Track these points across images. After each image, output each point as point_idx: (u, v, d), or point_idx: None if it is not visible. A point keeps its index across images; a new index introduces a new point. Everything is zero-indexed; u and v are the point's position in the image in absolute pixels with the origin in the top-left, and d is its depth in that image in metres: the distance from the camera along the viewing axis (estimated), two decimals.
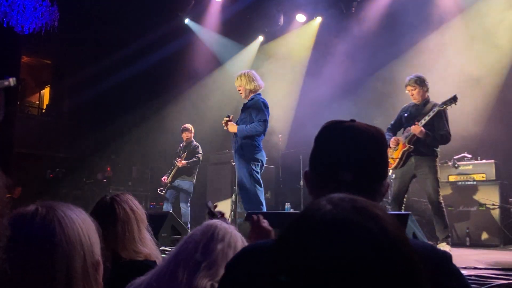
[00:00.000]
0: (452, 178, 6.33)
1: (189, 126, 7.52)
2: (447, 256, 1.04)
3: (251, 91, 4.97)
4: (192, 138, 7.49)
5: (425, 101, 4.89)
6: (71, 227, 0.97)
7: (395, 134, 5.11)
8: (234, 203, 7.95)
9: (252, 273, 1.06)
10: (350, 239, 0.57)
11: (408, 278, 0.57)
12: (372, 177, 1.14)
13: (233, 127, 4.94)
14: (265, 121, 4.84)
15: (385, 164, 1.19)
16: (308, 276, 0.56)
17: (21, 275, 0.88)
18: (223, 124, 5.07)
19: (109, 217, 1.83)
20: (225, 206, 8.15)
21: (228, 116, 5.07)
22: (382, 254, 0.56)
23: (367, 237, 0.57)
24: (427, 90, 4.89)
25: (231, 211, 8.00)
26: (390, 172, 5.89)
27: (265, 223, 1.76)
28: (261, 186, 4.91)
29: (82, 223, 1.01)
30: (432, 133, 4.69)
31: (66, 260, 0.94)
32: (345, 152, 1.14)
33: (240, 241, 1.43)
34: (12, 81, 4.92)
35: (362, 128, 1.17)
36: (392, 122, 5.20)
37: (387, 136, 5.04)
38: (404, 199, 4.94)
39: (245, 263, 1.11)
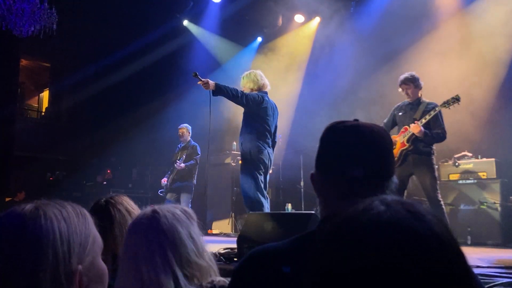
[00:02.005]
0: (452, 177, 6.32)
1: (183, 126, 7.48)
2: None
3: (252, 90, 5.00)
4: (189, 138, 7.46)
5: (418, 100, 4.90)
6: (45, 230, 0.91)
7: (388, 133, 5.09)
8: (234, 203, 7.96)
9: (265, 276, 1.05)
10: (404, 241, 0.57)
11: (458, 283, 0.58)
12: (381, 173, 1.14)
13: (209, 84, 4.69)
14: (248, 96, 4.79)
15: (393, 160, 1.19)
16: (358, 274, 0.56)
17: None
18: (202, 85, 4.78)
19: (105, 220, 1.80)
20: (225, 207, 8.16)
21: (196, 74, 4.81)
22: (435, 258, 0.57)
23: (421, 241, 0.57)
24: (420, 89, 4.90)
25: (231, 212, 8.00)
26: None
27: None
28: (262, 188, 4.90)
29: (66, 227, 0.94)
30: (430, 132, 4.69)
31: (31, 264, 0.87)
32: (353, 150, 1.13)
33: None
34: None
35: (367, 126, 1.17)
36: (385, 120, 5.18)
37: None
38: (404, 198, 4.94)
39: (256, 267, 1.09)
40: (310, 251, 0.65)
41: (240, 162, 5.14)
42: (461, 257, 0.60)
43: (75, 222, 0.97)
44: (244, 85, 5.05)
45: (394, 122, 5.10)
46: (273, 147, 5.12)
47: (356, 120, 1.20)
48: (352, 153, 1.13)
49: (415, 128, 4.66)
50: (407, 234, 0.58)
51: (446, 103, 4.68)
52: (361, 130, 1.15)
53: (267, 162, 4.95)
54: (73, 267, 0.92)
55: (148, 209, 1.40)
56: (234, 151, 8.35)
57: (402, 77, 4.90)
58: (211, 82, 4.72)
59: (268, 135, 4.98)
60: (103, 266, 1.03)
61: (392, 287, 0.55)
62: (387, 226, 0.59)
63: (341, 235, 0.62)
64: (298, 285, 0.66)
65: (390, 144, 1.19)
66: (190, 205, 7.26)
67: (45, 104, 14.61)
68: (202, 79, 4.76)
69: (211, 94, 4.77)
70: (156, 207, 1.40)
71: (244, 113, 5.05)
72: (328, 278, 0.59)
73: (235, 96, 4.74)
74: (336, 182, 1.13)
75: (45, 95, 14.73)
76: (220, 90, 4.70)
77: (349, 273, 0.57)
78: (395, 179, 1.17)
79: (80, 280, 0.94)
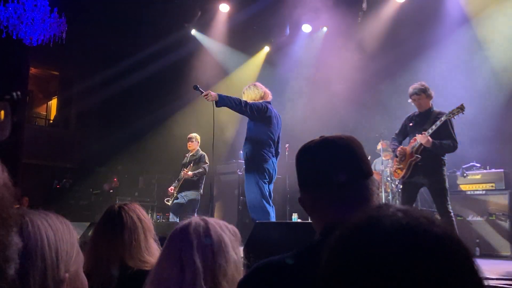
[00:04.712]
0: (461, 188, 6.27)
1: (193, 135, 7.48)
2: None
3: (255, 101, 5.01)
4: (198, 148, 7.47)
5: (429, 110, 4.87)
6: (33, 237, 0.91)
7: (400, 143, 5.08)
8: (240, 212, 7.93)
9: None
10: (426, 243, 0.61)
11: (474, 281, 0.62)
12: (361, 172, 1.21)
13: (212, 95, 4.71)
14: (252, 105, 4.81)
15: (367, 160, 1.27)
16: (383, 276, 0.59)
17: None
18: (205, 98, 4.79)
19: (116, 225, 1.84)
20: (231, 216, 8.13)
21: (197, 87, 4.87)
22: (454, 258, 0.61)
23: (441, 243, 0.62)
24: (431, 98, 4.88)
25: (237, 221, 7.97)
26: (397, 182, 5.85)
27: None
28: (267, 196, 4.88)
29: (53, 235, 0.94)
30: (439, 142, 4.65)
31: (19, 272, 0.85)
32: (331, 159, 1.21)
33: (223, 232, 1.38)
34: (15, 94, 4.94)
35: (335, 136, 1.26)
36: (397, 131, 5.18)
37: (393, 146, 5.04)
38: None
39: (261, 280, 1.11)
40: (318, 262, 0.67)
41: (244, 171, 5.13)
42: (472, 256, 0.65)
43: (61, 231, 0.97)
44: (247, 98, 5.07)
45: (405, 133, 5.08)
46: (276, 156, 5.12)
47: (321, 136, 1.28)
48: (330, 162, 1.21)
49: (423, 138, 4.63)
50: (428, 237, 0.62)
51: (451, 113, 4.66)
52: (330, 141, 1.25)
53: (271, 172, 4.94)
54: (61, 274, 0.93)
55: (197, 217, 1.42)
56: (240, 160, 8.35)
57: (412, 88, 4.87)
58: (213, 94, 4.74)
59: (272, 144, 4.98)
60: (85, 279, 1.03)
61: (417, 286, 0.58)
62: (408, 230, 0.62)
63: (361, 241, 0.64)
64: None
65: (360, 146, 1.26)
66: (196, 214, 7.24)
67: (53, 112, 14.73)
68: (203, 91, 4.78)
69: (215, 105, 4.79)
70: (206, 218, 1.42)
71: (248, 123, 5.06)
72: (350, 284, 0.61)
73: (239, 106, 4.75)
74: (324, 194, 1.19)
75: (53, 103, 14.85)
76: (223, 101, 4.72)
77: (374, 276, 0.59)
78: (374, 179, 1.24)
79: None
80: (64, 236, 0.97)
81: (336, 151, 1.22)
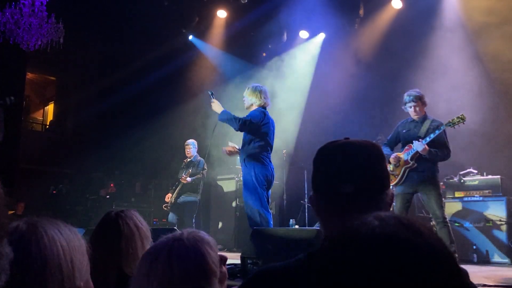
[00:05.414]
0: (458, 194, 6.28)
1: (189, 141, 7.50)
2: (464, 273, 1.02)
3: (252, 104, 5.01)
4: (196, 153, 7.47)
5: (424, 117, 4.88)
6: (50, 247, 0.90)
7: (392, 150, 5.09)
8: (238, 218, 7.91)
9: None
10: (398, 253, 0.59)
11: None
12: (372, 187, 1.15)
13: (217, 106, 4.99)
14: (246, 121, 4.84)
15: (384, 173, 1.20)
16: None
17: None
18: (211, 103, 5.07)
19: (113, 233, 1.82)
20: (229, 222, 8.11)
21: (211, 93, 5.12)
22: (430, 267, 0.58)
23: (415, 252, 0.59)
24: (426, 106, 4.90)
25: (235, 227, 7.95)
26: (392, 188, 5.85)
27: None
28: (265, 202, 4.87)
29: (66, 244, 0.93)
30: (435, 151, 4.66)
31: (39, 283, 0.86)
32: (343, 165, 1.16)
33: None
34: (8, 100, 4.98)
35: (357, 143, 1.20)
36: (389, 137, 5.18)
37: (386, 152, 5.04)
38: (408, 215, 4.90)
39: (262, 287, 1.10)
40: (314, 270, 0.66)
41: (242, 177, 5.12)
42: (456, 267, 0.62)
43: (73, 240, 0.97)
44: (248, 95, 5.06)
45: (397, 139, 5.09)
46: None
47: (346, 138, 1.23)
48: (340, 170, 1.15)
49: (420, 146, 4.63)
50: (402, 246, 0.59)
51: (451, 123, 4.66)
52: (348, 147, 1.19)
53: (270, 177, 4.94)
54: (77, 283, 0.92)
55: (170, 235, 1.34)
56: (238, 166, 8.35)
57: (407, 94, 4.88)
58: (219, 107, 4.89)
59: (270, 150, 4.99)
60: (93, 287, 1.02)
61: None
62: (381, 240, 0.60)
63: (338, 252, 0.63)
64: None
65: (380, 157, 1.20)
66: (194, 220, 7.23)
67: (50, 117, 14.71)
68: (213, 99, 4.98)
69: (218, 116, 4.95)
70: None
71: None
72: None
73: (238, 124, 4.83)
74: (330, 200, 1.15)
75: (50, 108, 14.83)
76: (223, 117, 4.87)
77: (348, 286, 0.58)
78: (390, 192, 1.17)
79: None
80: (75, 245, 0.96)
81: (350, 158, 1.16)
